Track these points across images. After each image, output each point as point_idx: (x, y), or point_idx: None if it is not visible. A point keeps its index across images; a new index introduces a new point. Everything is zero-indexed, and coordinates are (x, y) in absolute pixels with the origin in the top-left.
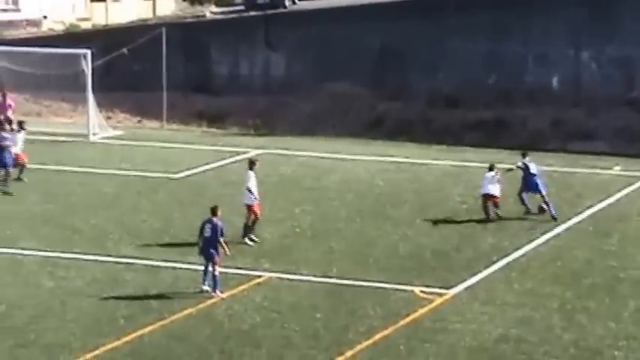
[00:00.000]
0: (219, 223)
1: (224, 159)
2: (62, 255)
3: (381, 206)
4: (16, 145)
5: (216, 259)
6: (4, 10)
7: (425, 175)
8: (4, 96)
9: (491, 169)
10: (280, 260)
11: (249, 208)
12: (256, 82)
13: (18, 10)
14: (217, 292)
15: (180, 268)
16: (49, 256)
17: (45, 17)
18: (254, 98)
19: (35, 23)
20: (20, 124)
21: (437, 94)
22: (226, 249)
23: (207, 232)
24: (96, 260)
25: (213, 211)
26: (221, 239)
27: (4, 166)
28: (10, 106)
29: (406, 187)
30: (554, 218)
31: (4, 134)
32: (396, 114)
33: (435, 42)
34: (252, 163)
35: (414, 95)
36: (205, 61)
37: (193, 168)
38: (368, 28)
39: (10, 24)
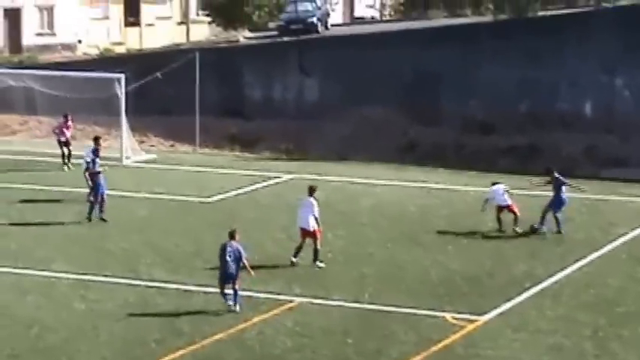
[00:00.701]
0: (240, 246)
1: (256, 183)
2: (94, 278)
3: (412, 231)
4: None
5: (237, 278)
6: (40, 34)
7: (457, 200)
8: (66, 118)
9: (494, 184)
10: (312, 285)
11: (315, 233)
12: (289, 106)
13: (53, 35)
14: (232, 302)
15: (212, 292)
16: (81, 279)
17: (80, 41)
18: (287, 122)
19: (70, 47)
20: (96, 139)
21: (470, 120)
22: (251, 270)
23: (229, 256)
24: (128, 283)
25: (232, 235)
26: (245, 261)
27: (100, 192)
28: (69, 127)
29: (438, 212)
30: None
31: (99, 160)
32: (429, 139)
33: (468, 67)
34: (312, 190)
35: (446, 120)
36: (238, 85)
37: (226, 192)
38: (401, 54)
39: (46, 48)
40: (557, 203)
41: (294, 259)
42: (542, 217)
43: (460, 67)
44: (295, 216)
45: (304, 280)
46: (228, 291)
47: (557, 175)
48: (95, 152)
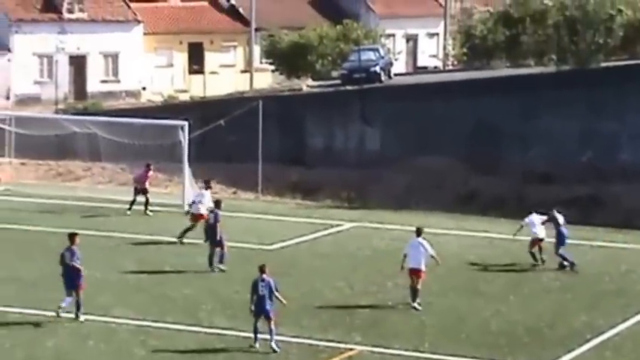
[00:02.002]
0: (271, 279)
1: (317, 231)
2: (155, 324)
3: (473, 281)
4: (204, 205)
5: (272, 314)
6: (105, 81)
7: (518, 251)
8: (148, 168)
9: (530, 213)
10: (372, 333)
11: (420, 273)
12: (350, 155)
13: (118, 82)
14: (274, 344)
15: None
16: (141, 325)
17: (144, 88)
18: (348, 171)
19: (134, 94)
20: (207, 182)
21: (530, 170)
22: (283, 300)
23: (262, 291)
24: (188, 330)
25: (262, 270)
26: (277, 293)
27: (219, 245)
28: (150, 177)
29: (498, 262)
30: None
31: (219, 212)
32: (490, 189)
33: (529, 118)
34: (419, 231)
35: (507, 170)
36: (300, 133)
37: (287, 240)
38: (463, 103)
39: (110, 95)
40: (561, 240)
41: (416, 305)
42: (562, 257)
43: (521, 117)
44: (357, 263)
45: (364, 329)
46: (264, 328)
47: (555, 214)
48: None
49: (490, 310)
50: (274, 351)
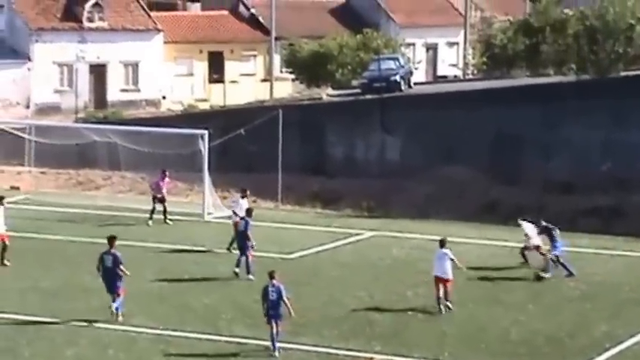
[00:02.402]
0: (281, 285)
1: (338, 240)
2: (174, 333)
3: (493, 291)
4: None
5: (280, 319)
6: (125, 90)
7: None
8: (164, 174)
9: (525, 220)
10: (392, 342)
11: (446, 281)
12: (371, 164)
13: (138, 91)
14: (276, 352)
15: (291, 349)
16: (161, 334)
17: (164, 97)
18: (368, 181)
19: (154, 103)
20: (243, 191)
21: (551, 180)
22: (291, 310)
23: (273, 296)
24: (208, 339)
25: (271, 275)
26: (286, 300)
27: (244, 252)
28: (167, 184)
29: (519, 272)
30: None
31: (250, 220)
32: (510, 199)
33: (550, 127)
34: (443, 243)
35: (528, 180)
36: (321, 142)
37: (307, 249)
38: (483, 113)
39: (130, 104)
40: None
41: (442, 308)
42: (562, 265)
43: (542, 126)
44: (378, 272)
45: (384, 338)
46: (273, 335)
47: (544, 224)
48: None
49: (510, 320)
50: (273, 355)
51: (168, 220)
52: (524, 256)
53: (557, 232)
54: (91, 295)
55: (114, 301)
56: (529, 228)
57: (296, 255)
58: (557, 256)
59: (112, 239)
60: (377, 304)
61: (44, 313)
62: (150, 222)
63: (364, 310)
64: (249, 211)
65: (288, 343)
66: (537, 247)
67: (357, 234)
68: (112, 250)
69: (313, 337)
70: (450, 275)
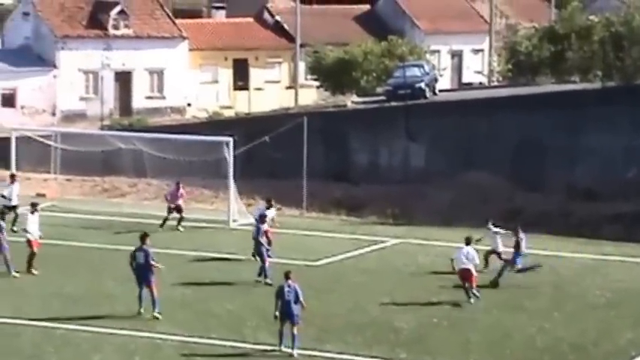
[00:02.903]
0: (297, 285)
1: (362, 247)
2: (199, 340)
3: (517, 298)
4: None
5: (297, 319)
6: (150, 98)
7: (562, 267)
8: (177, 186)
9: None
10: (416, 349)
11: (469, 274)
12: (395, 171)
13: (163, 98)
14: (295, 351)
15: (316, 356)
16: (185, 341)
17: (189, 105)
18: (393, 187)
19: (179, 110)
20: (268, 201)
21: (575, 187)
22: (304, 304)
23: (288, 296)
24: (232, 346)
25: (287, 276)
26: (302, 300)
27: (261, 258)
28: (182, 195)
29: (543, 279)
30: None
31: (262, 226)
32: (534, 205)
33: (574, 134)
34: (468, 240)
35: (552, 187)
36: (345, 149)
37: (332, 256)
38: (507, 120)
39: (155, 111)
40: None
41: (474, 291)
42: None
43: (566, 133)
44: (402, 280)
45: (409, 345)
46: (286, 332)
47: (521, 234)
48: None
49: (534, 327)
50: (291, 355)
51: (180, 227)
52: (487, 260)
53: (524, 244)
54: (116, 301)
55: (141, 295)
56: (497, 233)
57: (321, 262)
58: (518, 268)
59: (144, 236)
60: (401, 311)
61: (69, 320)
62: (160, 228)
63: (388, 317)
64: (262, 218)
65: (313, 350)
66: (499, 254)
67: (382, 241)
68: (144, 247)
69: (337, 344)
70: (471, 268)
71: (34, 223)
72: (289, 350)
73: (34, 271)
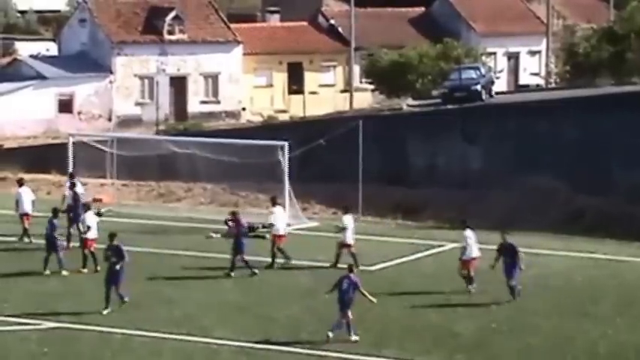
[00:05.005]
0: (357, 278)
1: (419, 252)
2: (257, 345)
3: (579, 303)
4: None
5: (350, 308)
6: (205, 102)
7: (626, 272)
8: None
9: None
10: (476, 355)
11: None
12: (453, 174)
13: (218, 102)
14: (353, 335)
15: None
16: (243, 346)
17: (244, 109)
18: (450, 191)
19: (234, 115)
20: (346, 209)
21: (637, 189)
22: (372, 298)
23: (344, 286)
24: (290, 351)
25: (350, 269)
26: (362, 290)
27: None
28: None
29: (606, 283)
30: None
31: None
32: (595, 208)
33: (635, 136)
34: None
35: (614, 190)
36: (401, 153)
37: (388, 261)
38: (567, 122)
39: (210, 115)
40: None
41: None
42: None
43: (628, 135)
44: (460, 284)
45: (468, 350)
46: (343, 324)
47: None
48: None
49: (597, 332)
50: (355, 341)
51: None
52: (468, 278)
53: (520, 257)
54: (173, 306)
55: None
56: (470, 235)
57: (377, 267)
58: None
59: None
60: (460, 316)
61: (126, 325)
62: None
63: (447, 321)
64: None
65: (371, 355)
66: (473, 259)
67: (439, 245)
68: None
69: (395, 349)
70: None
71: (92, 223)
72: (351, 336)
73: (83, 270)
